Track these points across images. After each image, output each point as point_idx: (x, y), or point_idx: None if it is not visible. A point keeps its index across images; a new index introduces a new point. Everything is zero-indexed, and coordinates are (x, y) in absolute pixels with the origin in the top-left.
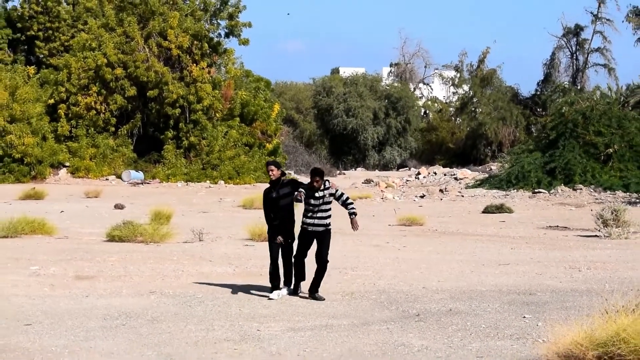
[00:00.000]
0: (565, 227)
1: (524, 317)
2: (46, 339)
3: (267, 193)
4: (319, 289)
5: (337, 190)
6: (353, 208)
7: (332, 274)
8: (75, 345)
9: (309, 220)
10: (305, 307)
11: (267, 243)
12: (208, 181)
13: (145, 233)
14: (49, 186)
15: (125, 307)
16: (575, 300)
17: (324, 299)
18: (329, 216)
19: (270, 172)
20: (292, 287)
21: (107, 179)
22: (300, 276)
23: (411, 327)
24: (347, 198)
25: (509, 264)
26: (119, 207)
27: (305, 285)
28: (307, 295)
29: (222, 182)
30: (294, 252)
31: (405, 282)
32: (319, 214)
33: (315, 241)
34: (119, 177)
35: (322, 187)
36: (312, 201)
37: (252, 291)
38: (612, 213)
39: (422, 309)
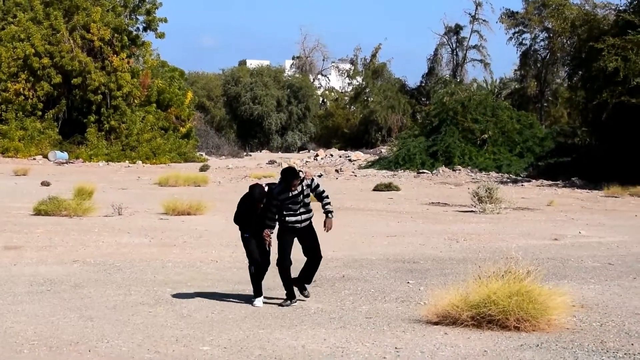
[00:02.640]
0: (446, 204)
1: (408, 282)
2: None
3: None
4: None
5: (312, 181)
6: (329, 205)
7: (238, 245)
8: (4, 308)
9: (293, 218)
10: (214, 274)
11: (179, 217)
12: (127, 161)
13: (69, 207)
14: None
15: (50, 275)
16: (453, 267)
17: (309, 297)
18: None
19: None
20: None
21: (34, 159)
22: (291, 291)
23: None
24: (324, 191)
25: (396, 235)
26: (45, 184)
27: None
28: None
29: (140, 162)
30: (278, 258)
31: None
32: (303, 209)
33: (297, 240)
34: (45, 157)
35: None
36: (290, 203)
37: (166, 260)
38: (486, 191)
39: (318, 275)
